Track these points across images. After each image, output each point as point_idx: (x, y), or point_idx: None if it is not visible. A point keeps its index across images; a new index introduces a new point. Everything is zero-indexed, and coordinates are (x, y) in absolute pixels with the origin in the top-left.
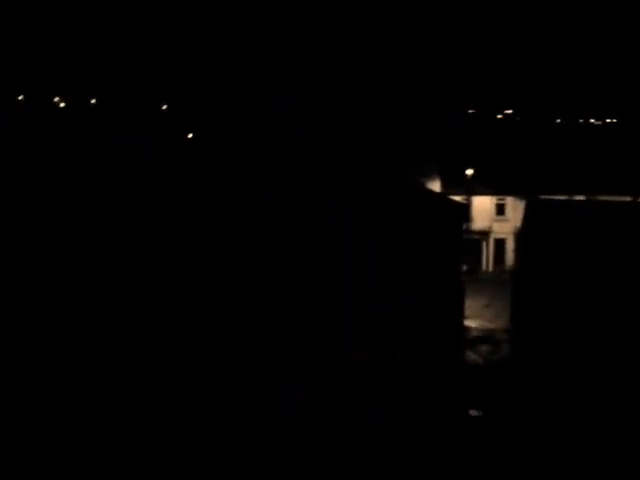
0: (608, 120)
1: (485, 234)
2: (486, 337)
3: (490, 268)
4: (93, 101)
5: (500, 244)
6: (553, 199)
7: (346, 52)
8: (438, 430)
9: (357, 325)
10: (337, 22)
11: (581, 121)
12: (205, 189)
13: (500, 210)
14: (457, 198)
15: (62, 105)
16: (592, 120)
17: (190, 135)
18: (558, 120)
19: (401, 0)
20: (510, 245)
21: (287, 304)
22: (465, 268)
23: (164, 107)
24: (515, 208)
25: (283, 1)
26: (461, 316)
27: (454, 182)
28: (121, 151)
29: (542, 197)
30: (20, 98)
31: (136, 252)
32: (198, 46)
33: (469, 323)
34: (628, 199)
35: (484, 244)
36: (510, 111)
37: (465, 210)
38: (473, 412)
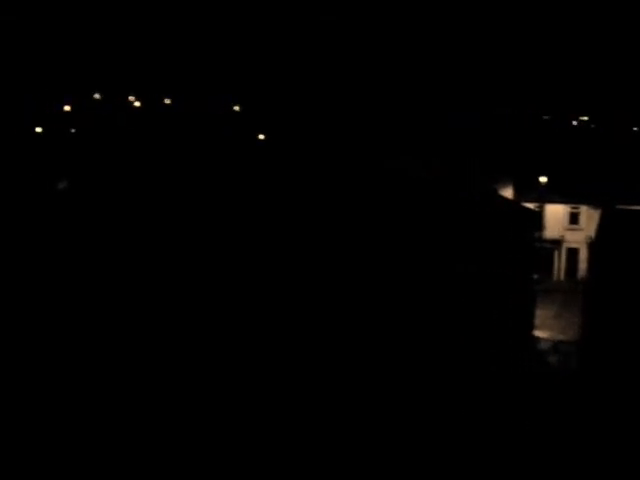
0: None
1: (557, 243)
2: (555, 348)
3: (561, 278)
4: (167, 101)
5: (572, 253)
6: (629, 209)
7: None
8: (505, 439)
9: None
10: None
11: None
12: None
13: (574, 219)
14: (530, 205)
15: (137, 104)
16: None
17: (261, 136)
18: (635, 128)
19: (481, 6)
20: (583, 255)
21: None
22: (536, 277)
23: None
24: (589, 217)
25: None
26: (531, 326)
27: (527, 189)
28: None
29: (618, 207)
30: (96, 96)
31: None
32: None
33: (538, 333)
34: None
35: (556, 253)
36: (586, 118)
37: (538, 218)
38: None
